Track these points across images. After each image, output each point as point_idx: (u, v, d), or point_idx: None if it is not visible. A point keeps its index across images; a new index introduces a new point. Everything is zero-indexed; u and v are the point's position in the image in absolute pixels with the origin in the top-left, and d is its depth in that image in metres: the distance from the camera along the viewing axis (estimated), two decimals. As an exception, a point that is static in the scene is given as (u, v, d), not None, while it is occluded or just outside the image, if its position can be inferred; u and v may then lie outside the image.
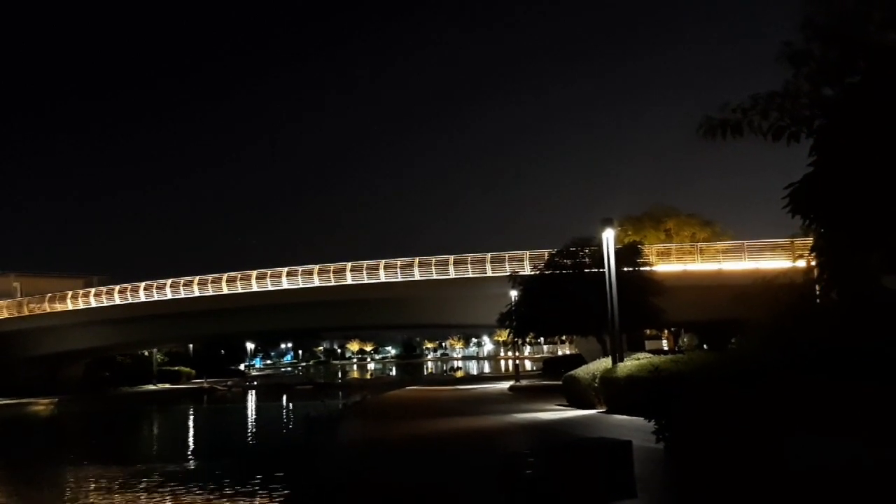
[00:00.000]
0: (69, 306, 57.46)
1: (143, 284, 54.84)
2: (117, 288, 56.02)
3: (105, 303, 55.94)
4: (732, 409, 11.14)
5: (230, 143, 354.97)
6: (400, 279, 47.97)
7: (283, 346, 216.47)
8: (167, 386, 71.10)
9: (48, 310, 58.15)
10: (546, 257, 36.51)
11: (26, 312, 59.12)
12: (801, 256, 25.53)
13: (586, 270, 32.62)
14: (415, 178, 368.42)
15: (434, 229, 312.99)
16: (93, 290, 57.98)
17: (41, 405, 51.45)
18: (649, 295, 31.90)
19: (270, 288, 50.79)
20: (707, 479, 10.59)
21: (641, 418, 14.37)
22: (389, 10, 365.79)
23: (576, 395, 25.17)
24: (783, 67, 9.88)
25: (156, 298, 53.96)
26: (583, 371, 25.71)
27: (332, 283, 49.38)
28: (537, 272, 35.47)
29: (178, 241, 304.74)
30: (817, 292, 14.54)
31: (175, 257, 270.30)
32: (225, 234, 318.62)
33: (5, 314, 60.18)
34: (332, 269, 49.82)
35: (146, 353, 73.33)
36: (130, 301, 54.75)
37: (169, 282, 54.00)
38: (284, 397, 59.18)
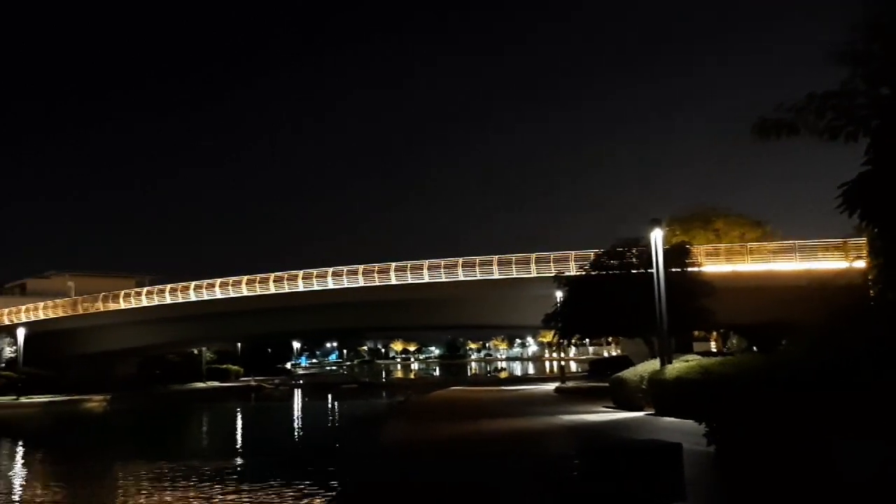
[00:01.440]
0: (122, 305, 58.79)
1: (192, 284, 55.86)
2: (168, 287, 57.15)
3: (156, 302, 57.08)
4: (784, 413, 10.91)
5: (264, 147, 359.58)
6: (444, 279, 48.04)
7: (328, 345, 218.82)
8: (216, 384, 72.40)
9: (101, 309, 59.59)
10: (592, 258, 36.20)
11: (81, 311, 60.64)
12: (858, 257, 24.93)
13: (633, 271, 32.30)
14: (460, 179, 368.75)
15: (478, 231, 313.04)
16: (144, 290, 59.25)
17: (95, 402, 52.73)
18: (698, 296, 31.40)
19: (316, 288, 51.33)
20: (758, 484, 10.40)
21: (690, 421, 14.17)
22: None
23: (623, 397, 24.93)
24: (838, 68, 9.72)
25: (205, 298, 54.93)
26: (630, 373, 25.47)
27: (377, 284, 49.67)
28: (583, 273, 35.22)
29: (225, 242, 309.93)
30: (872, 294, 14.20)
31: (222, 258, 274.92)
32: (270, 233, 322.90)
33: (61, 313, 61.77)
34: (376, 269, 50.11)
35: (195, 352, 74.68)
36: (180, 300, 55.80)
37: (218, 281, 54.93)
38: (330, 396, 59.74)
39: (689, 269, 33.22)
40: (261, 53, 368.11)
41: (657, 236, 23.80)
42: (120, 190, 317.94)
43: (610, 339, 58.10)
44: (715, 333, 54.27)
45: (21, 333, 53.72)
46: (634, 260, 32.86)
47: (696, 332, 45.21)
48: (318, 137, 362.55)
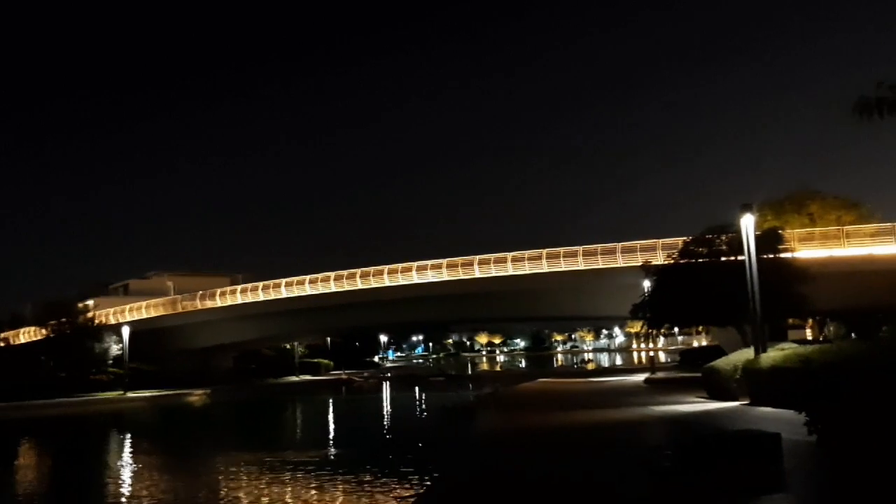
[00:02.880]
0: (218, 303, 61.11)
1: (284, 281, 57.60)
2: (261, 285, 59.05)
3: (250, 299, 59.10)
4: (890, 401, 10.61)
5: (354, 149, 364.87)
6: (528, 271, 48.00)
7: (414, 338, 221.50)
8: (308, 377, 74.44)
9: (199, 307, 62.11)
10: (680, 246, 35.56)
11: (180, 310, 63.36)
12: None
13: (723, 259, 31.64)
14: (543, 170, 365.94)
15: (562, 221, 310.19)
16: (239, 288, 61.40)
17: (196, 396, 55.05)
18: (792, 282, 30.52)
19: (401, 282, 52.13)
20: (861, 474, 10.16)
21: (787, 410, 13.91)
22: None
23: (716, 386, 24.51)
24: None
25: (295, 294, 56.57)
26: (723, 362, 25.03)
27: (461, 277, 50.02)
28: (671, 261, 34.68)
29: (313, 239, 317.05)
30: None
31: (311, 254, 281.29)
32: (356, 230, 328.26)
33: (162, 311, 64.67)
34: (459, 262, 50.46)
35: (288, 346, 76.90)
36: (272, 297, 57.62)
37: (307, 278, 56.46)
38: (417, 388, 60.54)
39: (783, 254, 32.33)
40: (360, 38, 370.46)
41: (748, 222, 23.26)
42: (206, 188, 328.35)
43: (700, 328, 56.77)
44: (811, 320, 52.47)
45: (126, 332, 56.54)
46: (724, 247, 32.22)
47: (790, 320, 43.85)
48: (404, 128, 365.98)
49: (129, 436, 34.78)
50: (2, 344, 60.00)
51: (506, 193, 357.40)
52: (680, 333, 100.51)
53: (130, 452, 28.19)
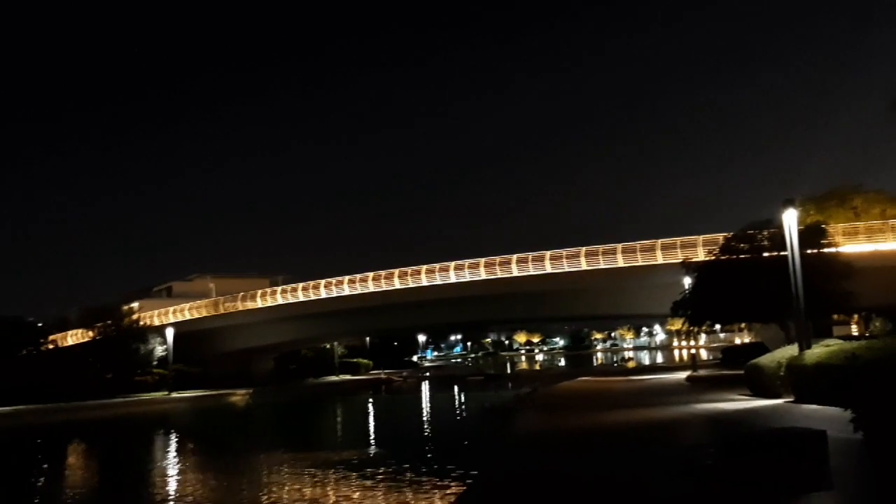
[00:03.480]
0: (258, 304, 61.87)
1: (323, 282, 58.10)
2: (300, 286, 59.64)
3: (290, 300, 59.72)
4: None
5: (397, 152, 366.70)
6: (566, 269, 47.79)
7: (452, 338, 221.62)
8: (348, 377, 75.08)
9: (240, 308, 62.95)
10: (721, 242, 35.16)
11: (222, 311, 64.25)
12: None
13: (765, 255, 31.24)
14: (584, 166, 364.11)
15: (599, 216, 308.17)
16: (279, 289, 62.07)
17: (237, 396, 55.87)
18: (836, 278, 30.03)
19: (439, 282, 52.25)
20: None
21: (833, 407, 13.68)
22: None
23: (759, 384, 24.20)
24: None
25: (334, 294, 57.04)
26: (767, 359, 24.69)
27: (498, 276, 49.96)
28: (712, 258, 34.32)
29: (349, 240, 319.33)
30: None
31: (348, 255, 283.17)
32: (397, 230, 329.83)
33: (204, 313, 65.65)
34: (497, 261, 50.39)
35: (328, 347, 77.57)
36: (312, 297, 58.16)
37: (346, 279, 56.90)
38: (456, 388, 60.65)
39: (826, 249, 31.81)
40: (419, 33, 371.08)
41: (791, 217, 22.92)
42: (246, 189, 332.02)
43: (742, 325, 55.99)
44: (856, 316, 51.46)
45: (170, 333, 57.56)
46: (766, 243, 31.82)
47: (835, 316, 43.06)
48: (441, 129, 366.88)
49: (177, 436, 35.53)
50: (50, 346, 61.37)
51: (546, 193, 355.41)
52: (722, 331, 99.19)
53: (179, 452, 28.80)
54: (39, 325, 66.57)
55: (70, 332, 68.98)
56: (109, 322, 60.10)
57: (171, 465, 24.71)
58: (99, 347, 58.55)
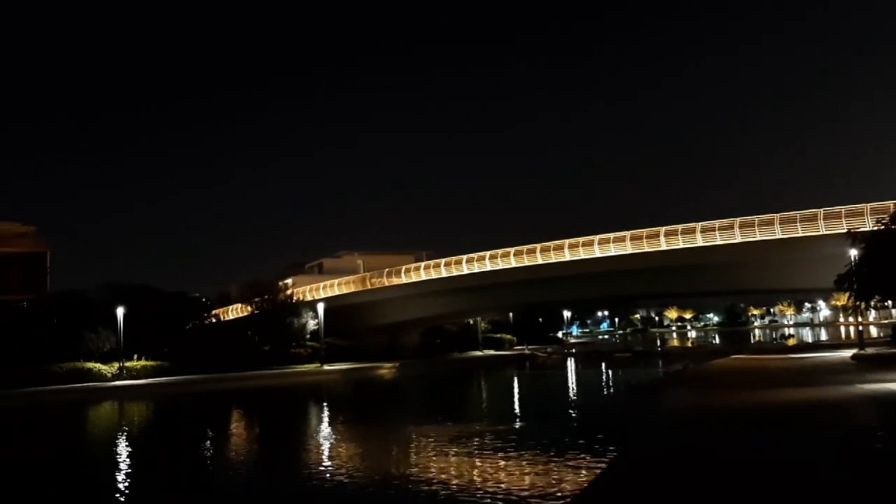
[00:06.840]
0: (403, 279, 63.21)
1: (465, 257, 58.46)
2: (443, 261, 60.32)
3: (433, 276, 60.58)
4: None
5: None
6: (719, 242, 45.45)
7: (598, 314, 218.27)
8: (491, 352, 75.52)
9: (386, 283, 64.57)
10: (892, 210, 32.19)
11: (369, 286, 66.21)
12: None
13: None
14: (743, 132, 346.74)
15: (759, 184, 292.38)
16: (423, 265, 63.08)
17: (385, 369, 57.49)
18: None
19: (583, 256, 51.17)
20: None
21: None
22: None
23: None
24: None
25: (476, 270, 57.27)
26: (945, 337, 22.39)
27: (645, 250, 48.28)
28: (882, 227, 31.52)
29: (493, 216, 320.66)
30: None
31: (490, 231, 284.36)
32: (540, 205, 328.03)
33: (353, 288, 67.91)
34: (644, 234, 48.64)
35: (471, 322, 78.32)
36: (454, 273, 58.70)
37: (488, 254, 56.95)
38: (603, 365, 59.55)
39: None
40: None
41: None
42: (390, 167, 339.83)
43: (918, 301, 51.42)
44: None
45: (321, 308, 60.00)
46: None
47: None
48: (601, 125, 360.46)
49: (330, 405, 37.08)
50: (213, 320, 65.37)
51: (706, 165, 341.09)
52: (894, 306, 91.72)
53: (336, 421, 30.05)
54: (204, 300, 71.15)
55: (231, 307, 73.30)
56: (266, 297, 63.36)
57: (329, 436, 25.65)
58: (256, 321, 61.93)
